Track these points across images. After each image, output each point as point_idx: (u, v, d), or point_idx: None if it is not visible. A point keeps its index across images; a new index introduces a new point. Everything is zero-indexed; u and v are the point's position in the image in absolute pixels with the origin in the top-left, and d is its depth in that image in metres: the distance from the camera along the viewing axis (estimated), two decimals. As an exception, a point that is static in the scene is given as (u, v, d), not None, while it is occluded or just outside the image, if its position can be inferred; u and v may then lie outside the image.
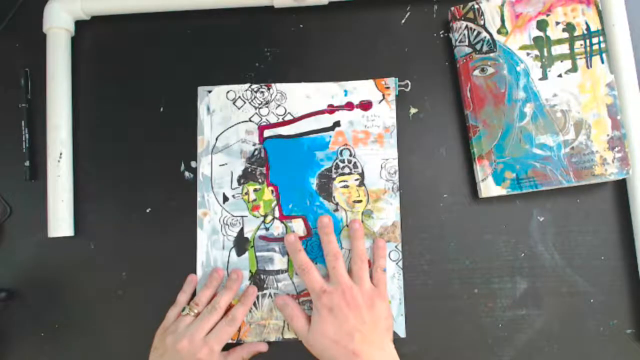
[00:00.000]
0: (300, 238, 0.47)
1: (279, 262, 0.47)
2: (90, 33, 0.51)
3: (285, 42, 0.50)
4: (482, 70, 0.46)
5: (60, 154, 0.48)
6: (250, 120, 0.48)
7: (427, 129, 0.48)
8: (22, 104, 0.50)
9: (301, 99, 0.48)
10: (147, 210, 0.49)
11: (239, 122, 0.49)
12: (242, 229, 0.47)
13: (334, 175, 0.47)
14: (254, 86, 0.49)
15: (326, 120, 0.48)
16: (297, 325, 0.43)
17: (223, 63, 0.50)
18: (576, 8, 0.45)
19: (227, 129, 0.49)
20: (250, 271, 0.47)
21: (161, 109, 0.50)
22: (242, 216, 0.47)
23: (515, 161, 0.45)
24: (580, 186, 0.45)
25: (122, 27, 0.51)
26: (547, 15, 0.45)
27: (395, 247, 0.46)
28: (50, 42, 0.49)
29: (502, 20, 0.46)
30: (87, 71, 0.51)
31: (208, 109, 0.49)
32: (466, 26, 0.47)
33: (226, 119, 0.49)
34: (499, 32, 0.46)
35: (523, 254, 0.46)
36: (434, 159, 0.47)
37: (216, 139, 0.48)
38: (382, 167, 0.47)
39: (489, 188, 0.45)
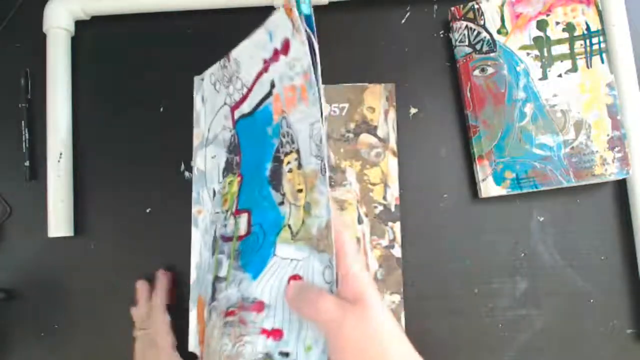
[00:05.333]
0: (241, 237, 0.37)
1: (224, 268, 0.38)
2: (90, 33, 0.51)
3: (285, 42, 0.50)
4: (482, 70, 0.46)
5: (60, 154, 0.48)
6: (225, 104, 0.41)
7: (427, 129, 0.48)
8: (22, 104, 0.50)
9: (248, 62, 0.38)
10: (147, 210, 0.49)
11: (220, 107, 0.42)
12: (216, 228, 0.41)
13: (282, 157, 0.35)
14: (222, 61, 0.41)
15: (266, 83, 0.36)
16: (335, 306, 0.28)
17: (223, 63, 0.50)
18: (576, 8, 0.45)
19: (214, 118, 0.43)
20: (214, 276, 0.39)
21: (161, 109, 0.50)
22: (218, 213, 0.41)
23: (515, 161, 0.45)
24: (580, 186, 0.45)
25: (122, 27, 0.51)
26: (547, 15, 0.45)
27: (329, 261, 0.30)
28: (50, 42, 0.49)
29: (502, 20, 0.46)
30: (87, 71, 0.51)
31: (203, 98, 0.44)
32: (466, 26, 0.47)
33: (213, 106, 0.43)
34: (499, 32, 0.46)
35: (523, 254, 0.46)
36: (434, 159, 0.47)
37: (208, 130, 0.44)
38: (310, 137, 0.32)
39: (489, 188, 0.45)
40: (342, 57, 0.49)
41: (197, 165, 0.45)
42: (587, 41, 0.45)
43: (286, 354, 0.31)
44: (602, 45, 0.44)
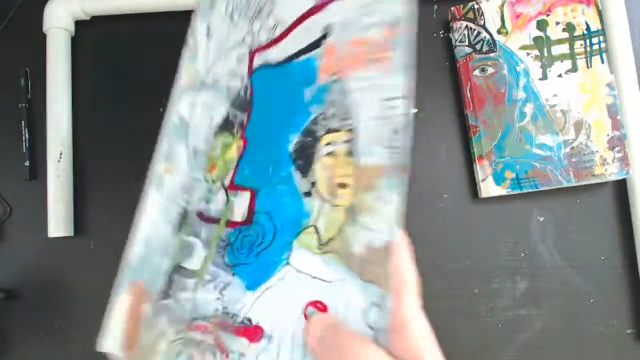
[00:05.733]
0: (235, 224, 0.28)
1: (197, 258, 0.29)
2: (90, 33, 0.51)
3: (285, 42, 0.50)
4: (482, 70, 0.46)
5: (60, 154, 0.48)
6: (244, 42, 0.31)
7: (427, 129, 0.48)
8: (22, 104, 0.50)
9: None
10: (147, 210, 0.49)
11: (234, 47, 0.32)
12: (189, 199, 0.32)
13: (321, 132, 0.26)
14: None
15: (315, 28, 0.27)
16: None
17: (223, 63, 0.50)
18: (576, 8, 0.45)
19: (220, 57, 0.33)
20: (175, 264, 0.30)
21: (161, 109, 0.50)
22: (198, 179, 0.32)
23: (515, 161, 0.45)
24: (580, 186, 0.45)
25: (122, 27, 0.51)
26: (547, 15, 0.45)
27: (381, 297, 0.22)
28: (50, 42, 0.49)
29: (502, 20, 0.46)
30: (87, 71, 0.51)
31: (208, 31, 0.34)
32: (466, 26, 0.47)
33: (222, 42, 0.33)
34: (499, 32, 0.46)
35: (523, 254, 0.46)
36: (434, 159, 0.47)
37: (207, 72, 0.34)
38: (377, 118, 0.24)
39: (489, 188, 0.45)
40: (342, 57, 0.49)
41: (178, 111, 0.35)
42: (587, 41, 0.45)
43: None
44: (602, 45, 0.44)
